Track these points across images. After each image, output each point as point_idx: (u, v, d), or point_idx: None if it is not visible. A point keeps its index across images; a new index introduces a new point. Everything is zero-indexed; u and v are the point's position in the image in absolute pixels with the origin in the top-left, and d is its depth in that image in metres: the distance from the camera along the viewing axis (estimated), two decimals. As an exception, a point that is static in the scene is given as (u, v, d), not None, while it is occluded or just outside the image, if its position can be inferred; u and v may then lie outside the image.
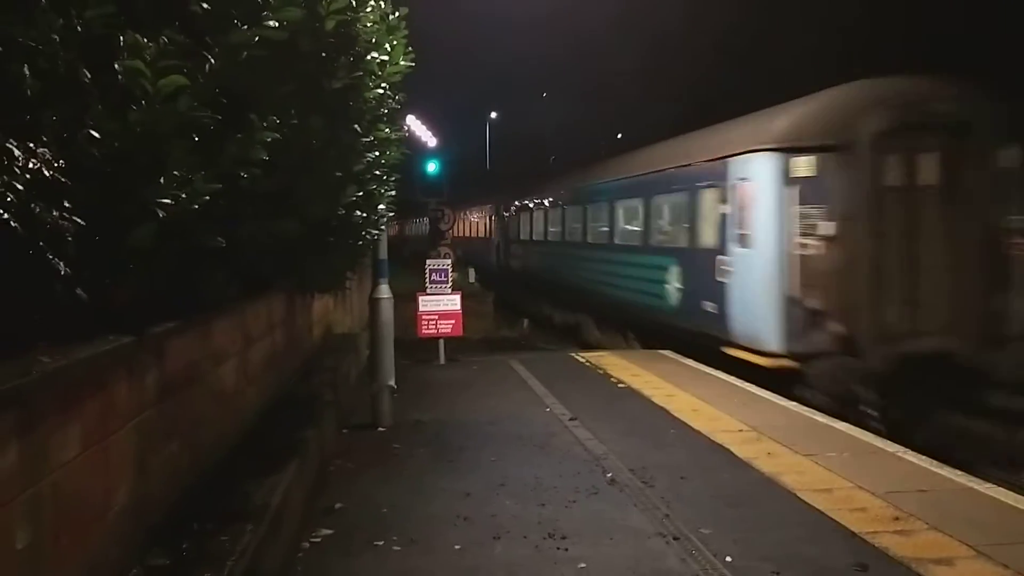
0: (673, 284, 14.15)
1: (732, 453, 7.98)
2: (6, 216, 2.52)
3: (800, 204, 10.90)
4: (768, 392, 11.35)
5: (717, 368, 12.36)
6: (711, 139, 13.71)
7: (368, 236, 8.14)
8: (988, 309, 10.69)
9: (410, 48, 6.38)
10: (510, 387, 11.91)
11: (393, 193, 8.74)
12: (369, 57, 5.51)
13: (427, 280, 14.47)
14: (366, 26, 5.40)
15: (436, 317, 14.10)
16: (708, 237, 12.96)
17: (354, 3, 4.94)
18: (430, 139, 34.98)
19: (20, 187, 2.58)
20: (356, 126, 5.69)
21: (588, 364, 13.94)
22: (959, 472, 7.47)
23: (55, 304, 2.96)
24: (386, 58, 5.94)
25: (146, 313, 4.04)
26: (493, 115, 65.88)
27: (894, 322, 10.70)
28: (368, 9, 5.46)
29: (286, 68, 4.23)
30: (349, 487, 7.15)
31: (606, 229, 18.12)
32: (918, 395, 10.25)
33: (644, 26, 44.52)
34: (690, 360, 14.01)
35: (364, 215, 7.08)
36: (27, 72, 2.72)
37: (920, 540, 5.66)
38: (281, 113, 4.14)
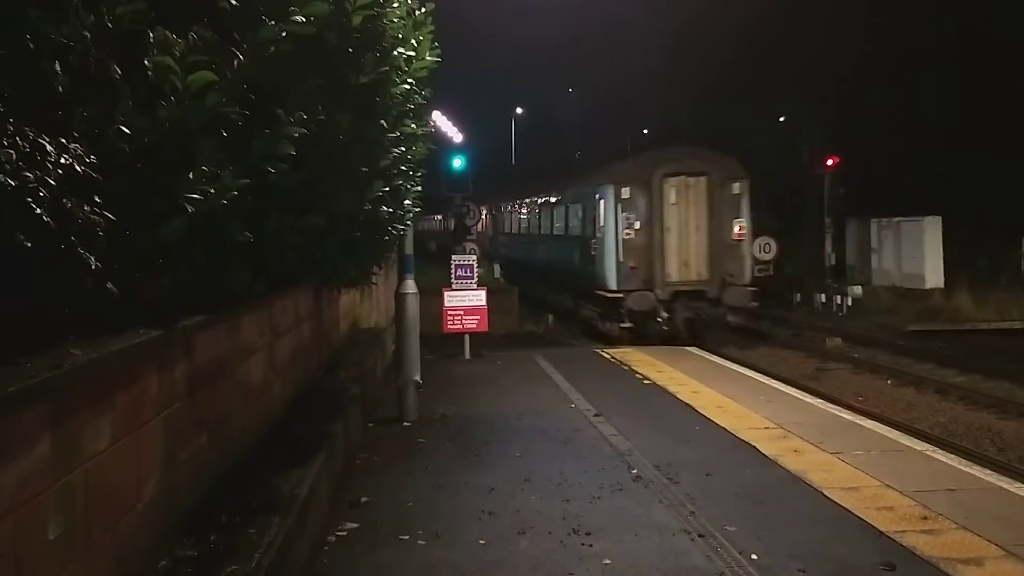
0: (576, 256, 22.90)
1: (758, 450, 7.93)
2: (39, 211, 2.55)
3: (624, 212, 19.90)
4: (794, 389, 11.31)
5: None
6: (590, 173, 23.49)
7: (394, 231, 8.16)
8: (722, 268, 19.72)
9: (436, 44, 6.38)
10: (535, 382, 11.92)
11: (419, 188, 8.76)
12: (395, 52, 5.52)
13: (452, 276, 14.49)
14: (392, 21, 5.41)
15: (461, 312, 14.14)
16: (588, 229, 21.72)
17: (381, -1, 4.96)
18: (456, 135, 35.01)
19: (52, 182, 2.61)
20: (382, 121, 5.71)
21: (613, 360, 13.93)
22: (989, 471, 7.39)
23: (86, 298, 3.00)
24: (412, 54, 5.94)
25: (175, 307, 4.08)
26: (519, 110, 65.72)
27: (672, 273, 19.80)
28: (395, 5, 5.46)
29: (313, 63, 4.25)
30: (375, 481, 7.19)
31: (548, 223, 27.33)
32: (686, 312, 19.47)
33: (668, 21, 44.29)
34: (716, 357, 13.95)
35: (390, 210, 7.10)
36: (59, 69, 2.75)
37: (949, 539, 5.60)
38: (308, 108, 4.16)
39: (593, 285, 20.96)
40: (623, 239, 19.89)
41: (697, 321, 19.55)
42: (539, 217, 28.60)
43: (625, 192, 20.10)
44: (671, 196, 20.00)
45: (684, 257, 19.96)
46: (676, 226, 19.94)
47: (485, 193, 36.52)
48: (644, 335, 19.14)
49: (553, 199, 26.67)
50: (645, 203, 19.90)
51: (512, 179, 42.95)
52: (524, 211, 31.14)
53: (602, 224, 20.45)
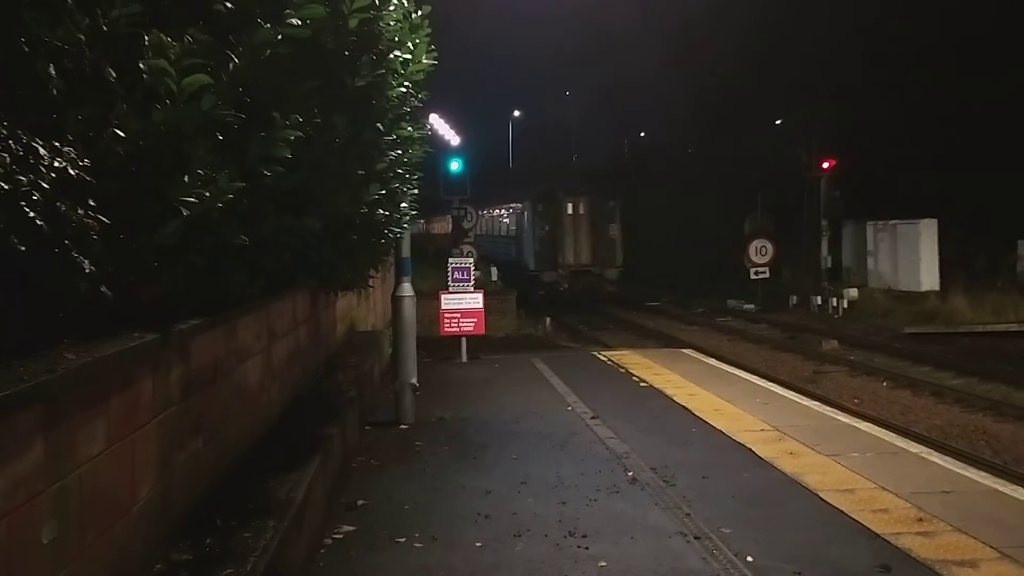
0: (512, 249, 35.62)
1: (754, 452, 7.94)
2: (32, 214, 2.55)
3: (539, 219, 32.43)
4: (791, 391, 11.32)
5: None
6: (519, 193, 36.40)
7: (391, 234, 8.16)
8: (601, 255, 31.96)
9: (433, 46, 6.39)
10: (532, 385, 11.92)
11: (416, 191, 8.76)
12: (392, 55, 5.52)
13: (449, 278, 14.49)
14: (389, 24, 5.41)
15: (458, 315, 14.12)
16: (520, 229, 34.62)
17: (377, 1, 4.96)
18: (453, 137, 35.04)
19: (46, 186, 2.61)
20: (379, 124, 5.71)
21: (610, 363, 13.93)
22: (984, 473, 7.41)
23: (80, 302, 3.00)
24: (409, 56, 5.95)
25: (170, 311, 4.07)
26: (516, 113, 65.76)
27: (570, 258, 31.85)
28: (391, 7, 5.47)
29: (309, 66, 4.25)
30: (371, 484, 7.18)
31: (497, 227, 40.28)
32: (578, 283, 31.88)
33: (665, 24, 44.29)
34: (713, 359, 13.95)
35: (387, 213, 7.09)
36: (53, 72, 2.75)
37: (944, 541, 5.61)
38: (304, 111, 4.16)
39: (522, 266, 33.33)
40: (538, 236, 32.24)
41: (586, 289, 31.65)
42: (493, 222, 41.24)
43: (540, 206, 32.44)
44: (568, 209, 32.24)
45: (577, 249, 32.22)
46: (572, 228, 32.25)
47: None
48: (552, 298, 30.44)
49: (499, 210, 39.85)
50: (552, 213, 32.14)
51: (481, 192, 49.27)
52: (486, 217, 41.19)
53: (526, 227, 33.48)
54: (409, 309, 9.82)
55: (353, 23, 4.55)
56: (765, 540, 5.69)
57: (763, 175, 33.93)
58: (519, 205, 34.78)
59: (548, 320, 24.09)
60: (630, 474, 7.34)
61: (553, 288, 31.36)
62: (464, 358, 14.22)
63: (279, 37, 3.67)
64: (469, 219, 25.13)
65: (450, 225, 43.03)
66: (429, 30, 6.29)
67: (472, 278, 14.60)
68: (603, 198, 32.23)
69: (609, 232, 32.05)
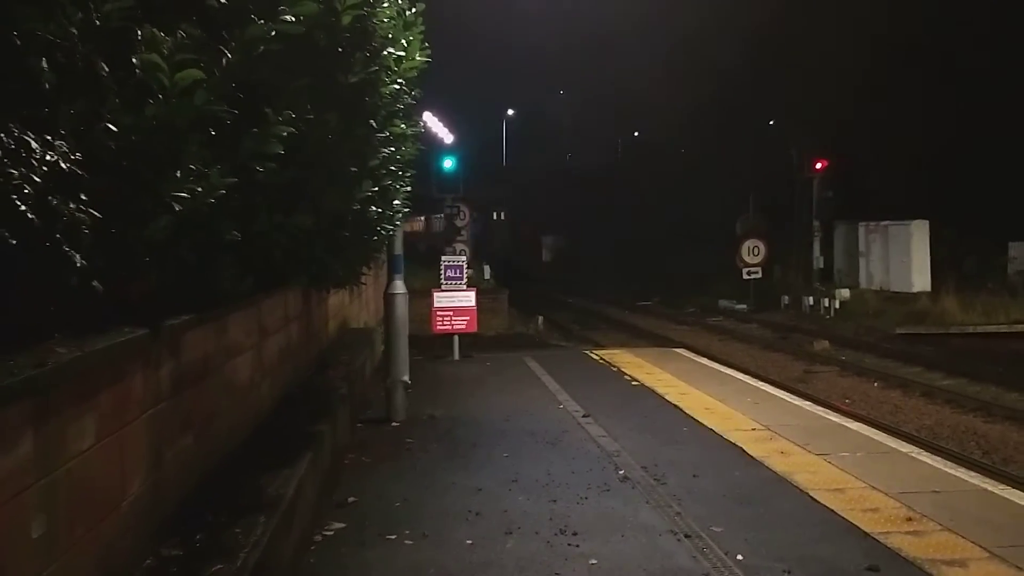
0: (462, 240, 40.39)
1: (745, 451, 7.96)
2: (23, 208, 2.54)
3: (474, 222, 36.34)
4: (782, 391, 11.35)
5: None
6: (468, 198, 38.91)
7: (383, 231, 8.15)
8: (517, 245, 62.83)
9: (426, 44, 6.38)
10: (523, 384, 11.92)
11: (409, 189, 8.75)
12: (385, 52, 5.51)
13: (442, 276, 14.48)
14: (382, 21, 5.40)
15: (451, 313, 14.12)
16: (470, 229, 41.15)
17: (371, -1, 4.95)
18: (447, 136, 35.02)
19: (37, 179, 2.60)
20: (371, 121, 5.69)
21: (602, 361, 13.95)
22: (974, 473, 7.44)
23: (71, 296, 2.99)
24: (402, 54, 5.94)
25: (161, 306, 4.06)
26: (510, 112, 65.76)
27: (497, 246, 52.33)
28: (385, 5, 5.46)
29: (302, 63, 4.24)
30: (362, 481, 7.18)
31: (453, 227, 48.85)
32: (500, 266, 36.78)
33: (664, 22, 44.34)
34: (704, 359, 13.97)
35: (379, 210, 7.09)
36: (45, 65, 2.74)
37: (933, 541, 5.63)
38: (296, 107, 4.15)
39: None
40: (474, 233, 39.28)
41: (504, 269, 38.38)
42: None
43: (475, 213, 39.22)
44: (494, 216, 56.45)
45: (501, 241, 51.95)
46: (496, 228, 55.76)
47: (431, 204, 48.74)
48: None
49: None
50: (484, 219, 47.15)
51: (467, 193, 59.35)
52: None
53: (471, 227, 40.32)
54: (401, 307, 9.81)
55: (346, 20, 4.54)
56: (755, 539, 5.71)
57: (756, 175, 34.02)
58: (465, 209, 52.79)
59: (540, 319, 24.09)
60: (621, 472, 7.35)
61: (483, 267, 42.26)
62: (456, 356, 14.22)
63: (272, 33, 3.66)
64: (461, 217, 25.10)
65: (423, 225, 53.73)
66: (422, 27, 6.29)
67: (465, 276, 14.59)
68: (517, 208, 55.54)
69: (523, 233, 55.15)
